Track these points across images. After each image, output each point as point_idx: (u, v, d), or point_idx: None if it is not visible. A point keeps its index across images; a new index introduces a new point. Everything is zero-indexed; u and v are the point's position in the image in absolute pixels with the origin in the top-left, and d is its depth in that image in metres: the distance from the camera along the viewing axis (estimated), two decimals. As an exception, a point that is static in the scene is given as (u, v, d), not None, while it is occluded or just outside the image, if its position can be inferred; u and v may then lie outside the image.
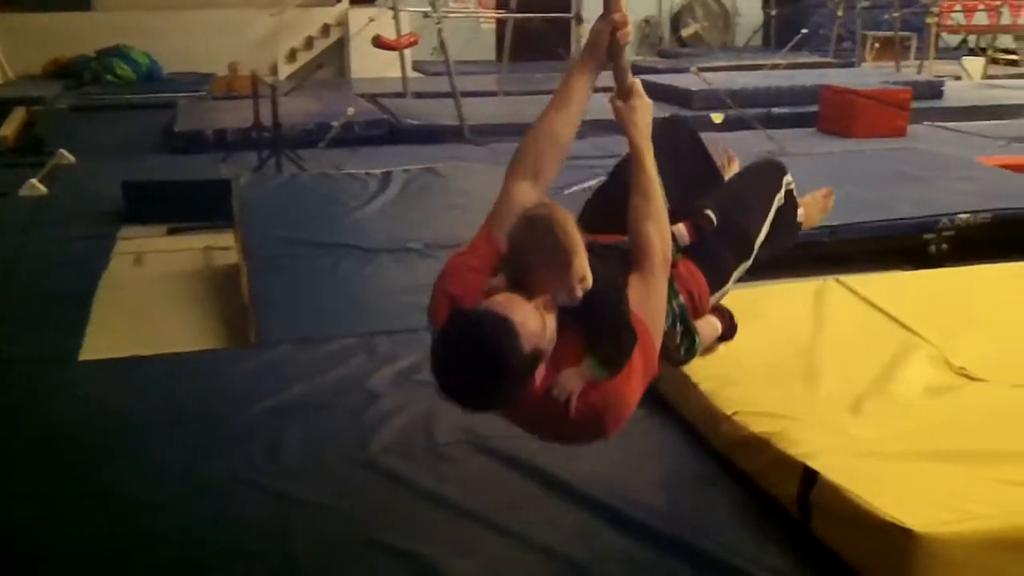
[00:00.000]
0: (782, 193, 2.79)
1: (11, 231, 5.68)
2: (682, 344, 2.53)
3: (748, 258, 2.70)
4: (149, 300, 4.98)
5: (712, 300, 2.66)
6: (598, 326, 2.10)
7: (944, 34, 14.70)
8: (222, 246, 5.69)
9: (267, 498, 2.72)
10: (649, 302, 2.22)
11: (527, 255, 2.09)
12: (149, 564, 2.46)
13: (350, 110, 8.31)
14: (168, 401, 3.31)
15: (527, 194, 2.31)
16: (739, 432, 2.79)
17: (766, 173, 2.87)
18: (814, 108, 9.08)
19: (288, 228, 4.93)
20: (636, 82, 2.47)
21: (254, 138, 7.13)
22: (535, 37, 11.35)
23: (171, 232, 6.13)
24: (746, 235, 2.69)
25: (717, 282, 2.63)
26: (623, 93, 2.47)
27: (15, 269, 4.99)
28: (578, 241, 2.09)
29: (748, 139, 8.10)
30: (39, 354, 3.85)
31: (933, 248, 5.41)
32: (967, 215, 5.49)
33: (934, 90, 10.51)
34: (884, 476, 2.46)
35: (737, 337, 3.28)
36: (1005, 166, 6.79)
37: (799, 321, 3.52)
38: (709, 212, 2.59)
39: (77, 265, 5.08)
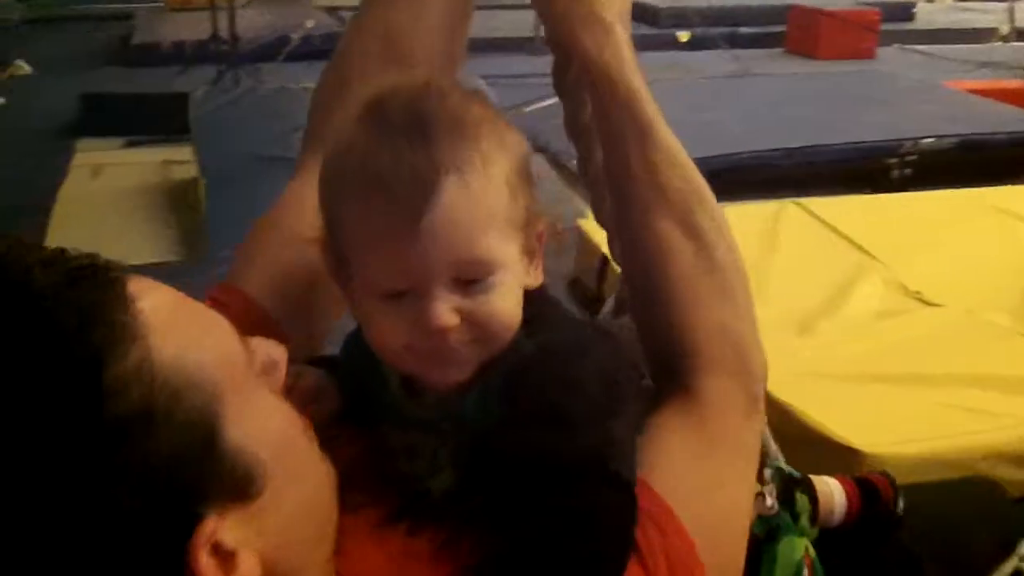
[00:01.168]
0: None
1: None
2: None
3: None
4: (107, 213, 4.90)
5: None
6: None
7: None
8: (180, 159, 5.60)
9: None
10: (706, 476, 1.01)
11: None
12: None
13: (309, 23, 8.15)
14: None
15: None
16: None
17: None
18: (782, 28, 8.99)
19: (244, 143, 4.88)
20: None
21: (212, 51, 7.01)
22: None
23: (129, 145, 6.02)
24: None
25: None
26: None
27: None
28: None
29: (712, 59, 8.07)
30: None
31: (896, 173, 5.36)
32: (931, 139, 5.46)
33: (905, 12, 10.43)
34: (833, 397, 2.48)
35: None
36: (973, 91, 6.74)
37: (754, 242, 3.50)
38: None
39: (35, 178, 5.02)
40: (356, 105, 0.93)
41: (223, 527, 0.74)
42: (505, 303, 0.90)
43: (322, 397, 1.00)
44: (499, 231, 0.90)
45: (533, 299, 0.94)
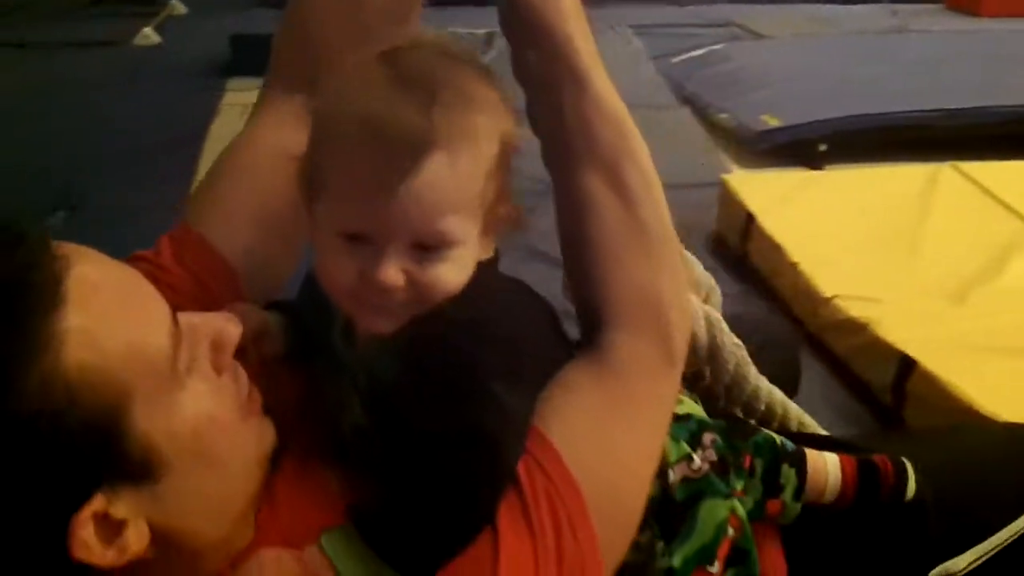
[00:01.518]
0: None
1: (123, 80, 5.77)
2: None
3: None
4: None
5: None
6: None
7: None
8: (325, 101, 5.68)
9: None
10: (603, 429, 1.04)
11: None
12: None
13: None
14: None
15: None
16: (836, 315, 2.73)
17: None
18: (944, -17, 8.61)
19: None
20: None
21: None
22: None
23: (277, 85, 6.13)
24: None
25: None
26: None
27: (127, 117, 5.08)
28: None
29: (870, 13, 7.79)
30: (150, 201, 3.93)
31: (1063, 138, 5.12)
32: (1102, 103, 5.16)
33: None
34: (984, 369, 2.37)
35: (841, 217, 3.20)
36: None
37: (908, 205, 3.37)
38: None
39: (188, 115, 5.14)
40: (356, 52, 0.95)
41: (115, 502, 0.82)
42: (452, 276, 0.95)
43: (266, 339, 1.06)
44: (469, 210, 0.93)
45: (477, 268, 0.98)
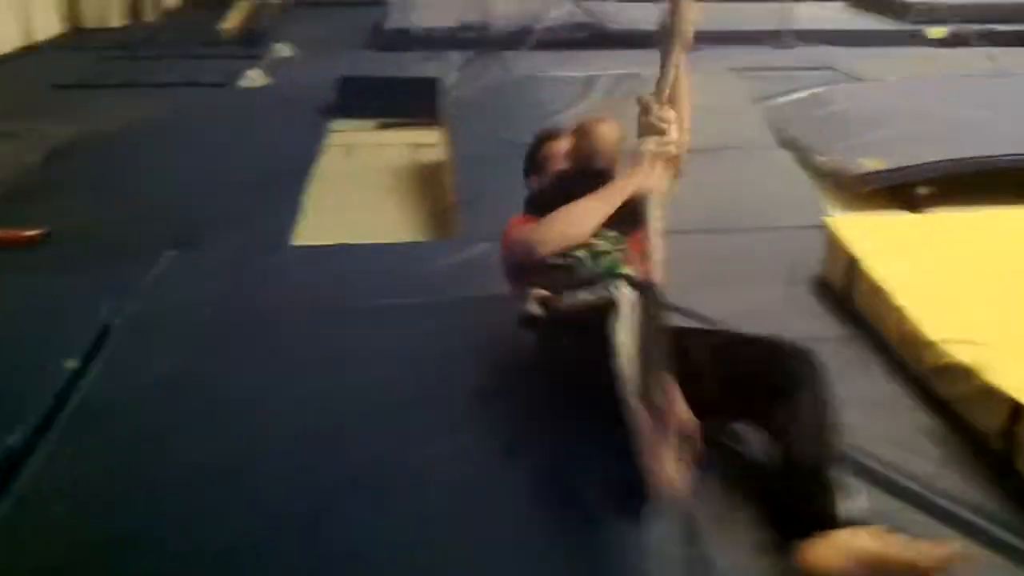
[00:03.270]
0: None
1: (232, 119, 5.98)
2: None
3: None
4: (358, 191, 5.14)
5: None
6: None
7: None
8: (428, 143, 5.81)
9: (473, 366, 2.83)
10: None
11: None
12: (358, 447, 2.55)
13: (555, 11, 8.29)
14: (375, 287, 3.47)
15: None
16: (943, 359, 2.72)
17: None
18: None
19: (493, 127, 5.00)
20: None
21: (462, 37, 7.20)
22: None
23: (380, 127, 6.29)
24: None
25: None
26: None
27: (235, 155, 5.25)
28: None
29: (966, 57, 7.71)
30: (255, 238, 4.07)
31: None
32: None
33: None
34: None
35: (944, 261, 3.20)
36: None
37: (1012, 248, 3.35)
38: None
39: (293, 154, 5.30)
40: None
41: None
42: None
43: None
44: None
45: None
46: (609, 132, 2.87)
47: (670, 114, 2.62)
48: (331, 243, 3.99)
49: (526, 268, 2.63)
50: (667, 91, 2.68)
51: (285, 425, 2.62)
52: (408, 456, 2.49)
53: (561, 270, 2.56)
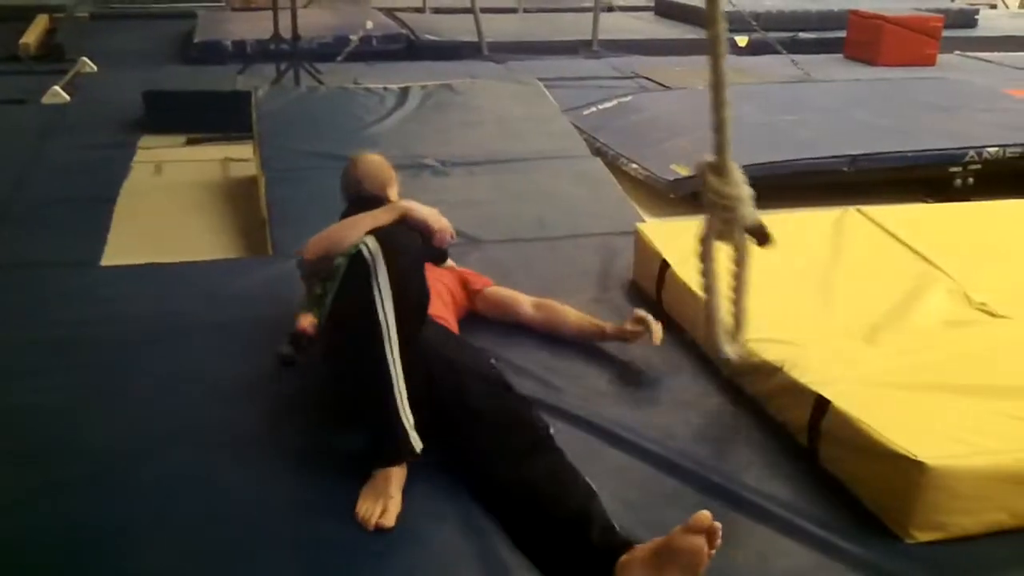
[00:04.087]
0: None
1: (34, 137, 5.66)
2: None
3: None
4: (168, 208, 4.97)
5: None
6: None
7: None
8: (240, 157, 5.67)
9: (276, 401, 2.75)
10: None
11: None
12: (165, 462, 2.48)
13: (368, 24, 8.23)
14: (185, 306, 3.36)
15: None
16: (751, 358, 2.78)
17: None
18: (841, 33, 8.92)
19: (305, 141, 4.92)
20: None
21: (272, 50, 7.07)
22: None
23: (190, 142, 6.11)
24: None
25: None
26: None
27: (38, 175, 4.99)
28: None
29: (772, 64, 8.01)
30: (62, 258, 3.89)
31: (959, 182, 5.31)
32: (995, 149, 5.37)
33: (967, 18, 10.32)
34: (897, 407, 2.44)
35: (752, 262, 3.27)
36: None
37: (816, 249, 3.48)
38: None
39: (99, 172, 5.10)
40: None
41: None
42: None
43: None
44: None
45: None
46: (372, 163, 3.26)
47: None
48: (141, 262, 3.83)
49: (304, 273, 2.87)
50: None
51: (85, 442, 2.55)
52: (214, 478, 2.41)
53: (325, 272, 2.66)
